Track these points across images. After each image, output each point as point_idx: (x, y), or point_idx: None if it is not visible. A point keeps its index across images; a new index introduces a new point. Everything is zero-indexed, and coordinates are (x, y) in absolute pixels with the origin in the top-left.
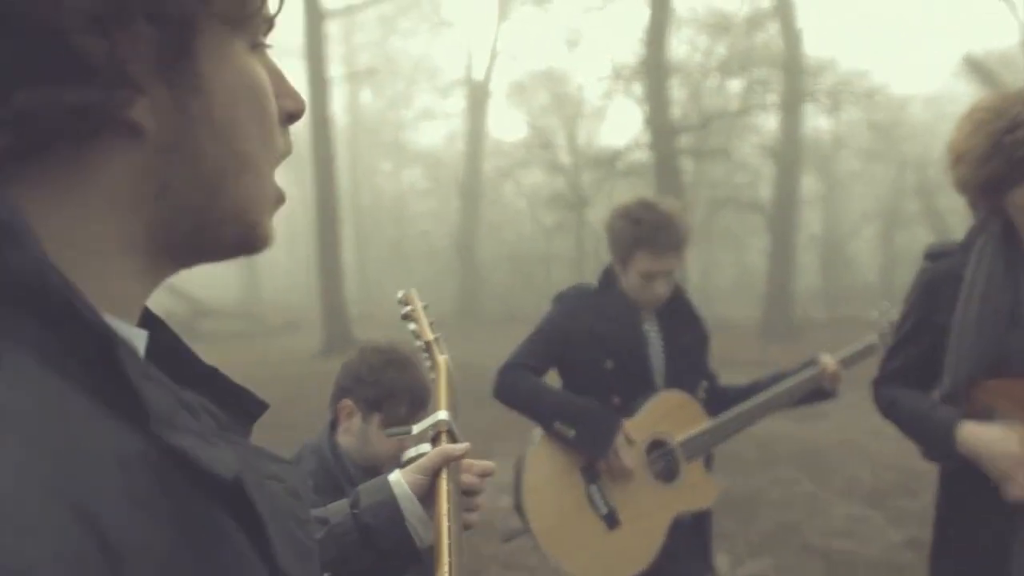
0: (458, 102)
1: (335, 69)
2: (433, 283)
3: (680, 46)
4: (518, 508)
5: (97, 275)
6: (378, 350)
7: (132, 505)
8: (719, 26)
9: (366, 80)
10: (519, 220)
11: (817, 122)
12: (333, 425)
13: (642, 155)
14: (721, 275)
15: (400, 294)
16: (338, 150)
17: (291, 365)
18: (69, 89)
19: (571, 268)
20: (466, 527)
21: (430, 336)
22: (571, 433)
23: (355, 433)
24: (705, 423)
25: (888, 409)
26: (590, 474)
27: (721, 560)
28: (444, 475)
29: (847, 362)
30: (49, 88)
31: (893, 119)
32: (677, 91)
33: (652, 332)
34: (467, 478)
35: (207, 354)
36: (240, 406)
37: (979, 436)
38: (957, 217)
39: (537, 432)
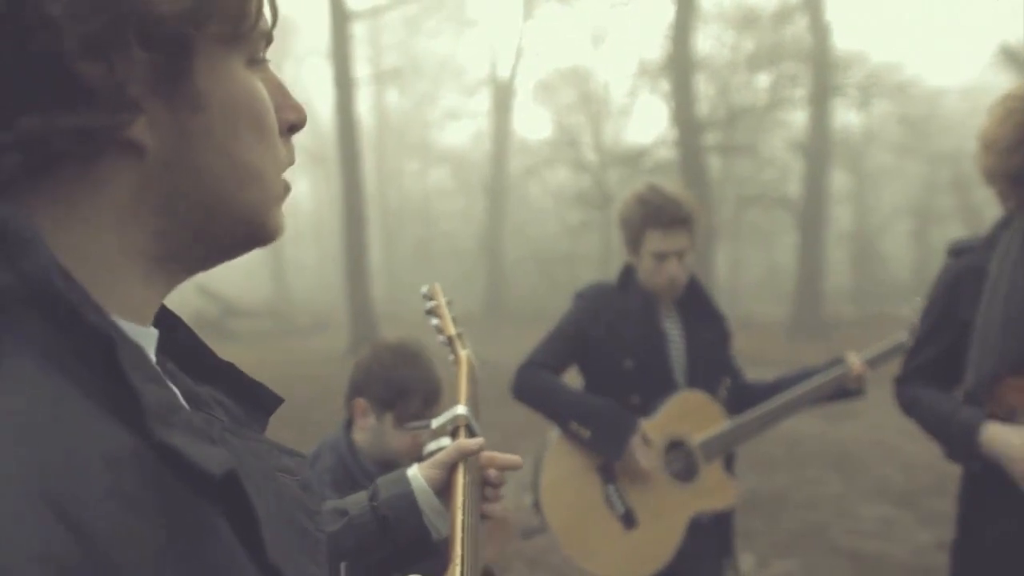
0: (483, 101)
1: (362, 70)
2: (459, 282)
3: (706, 41)
4: (536, 506)
5: (106, 282)
6: (389, 348)
7: (119, 504)
8: (746, 20)
9: (392, 80)
10: (544, 219)
11: (847, 117)
12: (349, 423)
13: (668, 152)
14: (749, 273)
15: (425, 288)
16: (365, 151)
17: (319, 364)
18: (70, 112)
19: (596, 267)
20: (484, 517)
21: (452, 331)
22: (587, 433)
23: (370, 430)
24: (724, 424)
25: (910, 408)
26: (607, 473)
27: (747, 560)
28: (461, 469)
29: (875, 361)
30: (51, 112)
31: (926, 112)
32: (704, 87)
33: (673, 330)
34: (490, 472)
35: (237, 353)
36: (256, 400)
37: (1002, 438)
38: (994, 212)
39: (555, 431)
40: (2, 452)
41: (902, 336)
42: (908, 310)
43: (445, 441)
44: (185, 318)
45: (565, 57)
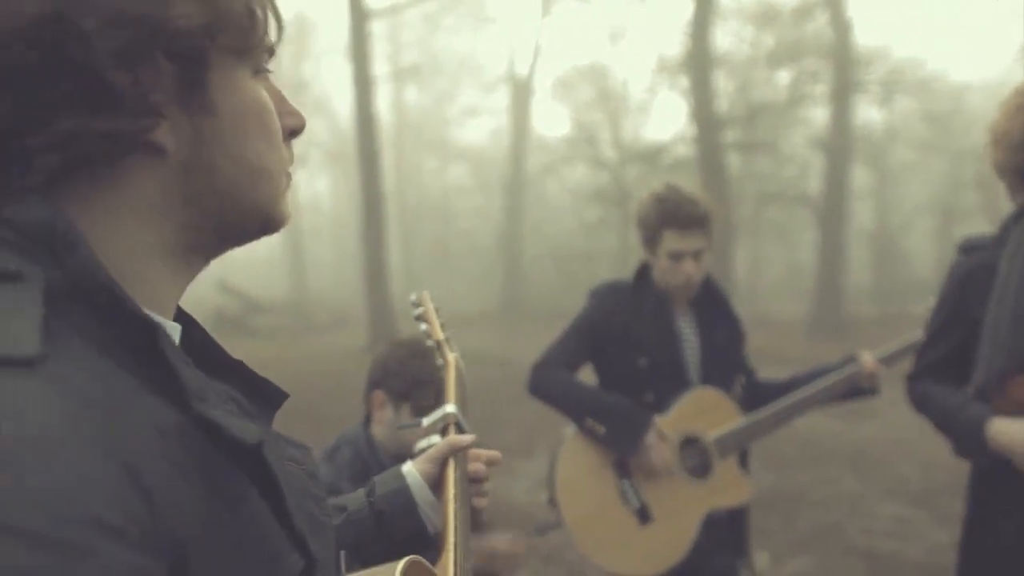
0: (502, 98)
1: (381, 67)
2: (477, 280)
3: (725, 37)
4: (552, 502)
5: (136, 277)
6: (405, 343)
7: (169, 465)
8: (766, 16)
9: (411, 78)
10: (562, 216)
11: (869, 113)
12: (368, 419)
13: (687, 149)
14: (769, 271)
15: (413, 296)
16: (383, 148)
17: (337, 360)
18: (101, 117)
19: (614, 264)
20: (475, 510)
21: (440, 336)
22: (602, 430)
23: (387, 424)
24: (739, 420)
25: (921, 404)
26: (623, 469)
27: (762, 558)
28: (451, 463)
29: (889, 359)
30: (84, 116)
31: (950, 108)
32: (723, 83)
33: (687, 328)
34: (474, 466)
35: (257, 349)
36: (263, 395)
37: (1009, 432)
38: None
39: (571, 427)
40: (74, 419)
41: (917, 334)
42: (923, 308)
43: (435, 439)
44: (206, 314)
45: (583, 54)
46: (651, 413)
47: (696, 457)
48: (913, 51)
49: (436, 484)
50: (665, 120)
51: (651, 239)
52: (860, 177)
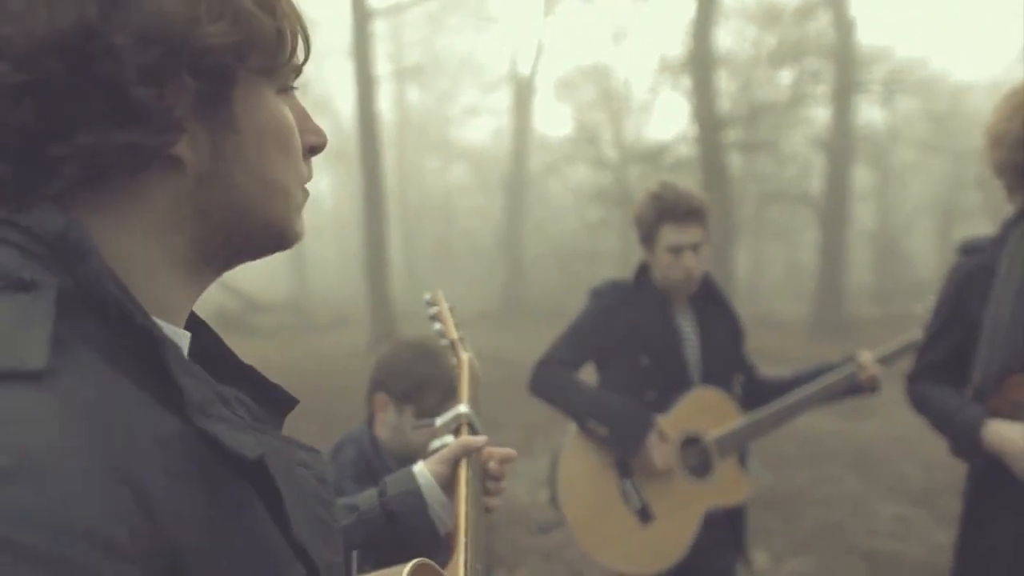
0: (504, 98)
1: (383, 67)
2: (479, 279)
3: (727, 37)
4: (553, 501)
5: (149, 286)
6: (409, 345)
7: (169, 477)
8: (768, 16)
9: (413, 77)
10: (564, 216)
11: (871, 113)
12: (371, 419)
13: (689, 149)
14: (771, 270)
15: (427, 295)
16: (385, 148)
17: (339, 360)
18: (123, 130)
19: (616, 264)
20: (488, 510)
21: (455, 335)
22: (604, 431)
23: (390, 425)
24: (739, 420)
25: (920, 405)
26: (624, 469)
27: (762, 557)
28: (463, 464)
29: (888, 359)
30: (107, 129)
31: (952, 108)
32: (725, 83)
33: (687, 327)
34: (490, 465)
35: (258, 348)
36: (273, 400)
37: (1004, 434)
38: None
39: (573, 427)
40: (75, 430)
41: (916, 333)
42: (922, 308)
43: (448, 439)
44: (208, 313)
45: (586, 54)
46: (653, 414)
47: (697, 456)
48: (915, 51)
49: (448, 485)
50: (667, 120)
51: (649, 235)
52: (862, 177)
